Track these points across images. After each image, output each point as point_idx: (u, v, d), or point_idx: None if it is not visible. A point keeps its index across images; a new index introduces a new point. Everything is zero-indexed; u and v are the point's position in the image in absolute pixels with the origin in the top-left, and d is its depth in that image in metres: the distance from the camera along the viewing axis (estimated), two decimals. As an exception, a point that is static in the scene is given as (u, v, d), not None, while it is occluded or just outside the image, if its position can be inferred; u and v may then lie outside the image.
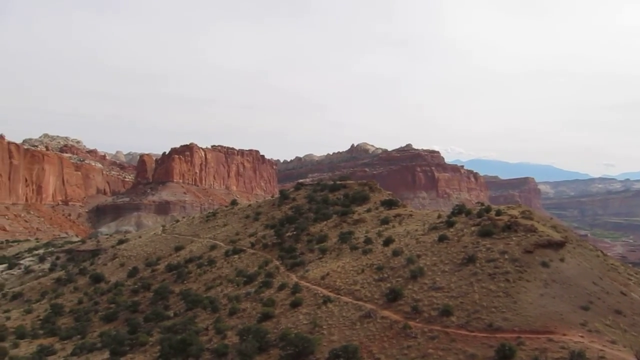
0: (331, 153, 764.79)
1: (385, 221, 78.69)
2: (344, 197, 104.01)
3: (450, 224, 63.27)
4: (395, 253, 57.51)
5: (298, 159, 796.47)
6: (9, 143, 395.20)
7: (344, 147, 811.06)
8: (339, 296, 50.93)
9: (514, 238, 52.15)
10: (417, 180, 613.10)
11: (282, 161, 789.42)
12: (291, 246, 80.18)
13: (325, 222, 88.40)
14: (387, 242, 63.62)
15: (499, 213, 61.24)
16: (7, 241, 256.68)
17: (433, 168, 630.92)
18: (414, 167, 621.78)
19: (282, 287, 59.22)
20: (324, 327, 44.97)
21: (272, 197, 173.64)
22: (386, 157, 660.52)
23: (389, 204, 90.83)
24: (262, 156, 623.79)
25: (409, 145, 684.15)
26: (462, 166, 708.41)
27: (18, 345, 74.65)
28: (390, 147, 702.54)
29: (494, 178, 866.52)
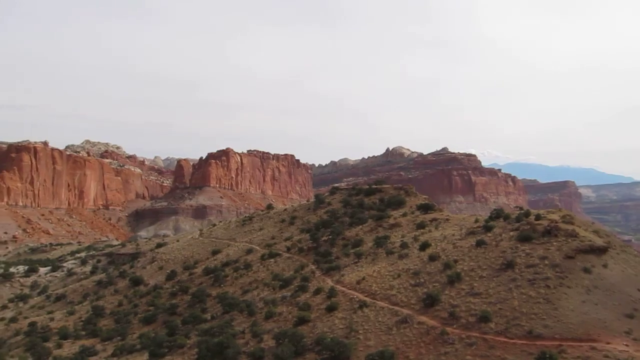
0: (366, 157, 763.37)
1: (421, 225, 77.97)
2: (379, 201, 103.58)
3: (488, 229, 62.29)
4: (432, 258, 56.92)
5: (333, 163, 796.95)
6: (52, 149, 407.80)
7: (379, 151, 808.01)
8: (374, 301, 50.66)
9: (554, 243, 51.02)
10: (454, 184, 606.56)
11: (317, 165, 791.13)
12: (327, 250, 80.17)
13: (360, 227, 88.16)
14: (424, 246, 63.01)
15: (538, 217, 60.04)
16: (51, 244, 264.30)
17: (470, 172, 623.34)
18: (450, 171, 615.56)
19: (317, 292, 59.23)
20: (360, 331, 44.80)
21: (307, 201, 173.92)
22: (422, 161, 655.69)
23: (425, 208, 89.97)
24: (297, 160, 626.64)
25: (444, 149, 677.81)
26: (500, 170, 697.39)
27: (61, 346, 76.70)
28: (426, 151, 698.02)
29: (533, 182, 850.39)
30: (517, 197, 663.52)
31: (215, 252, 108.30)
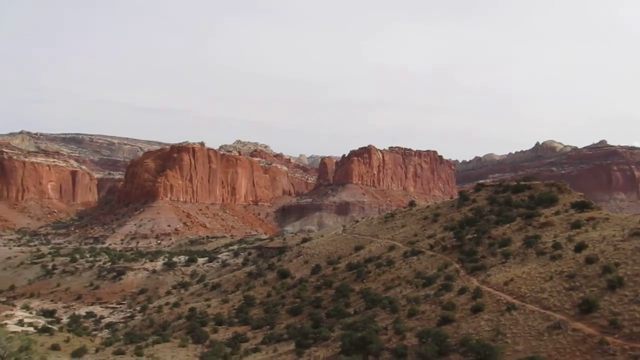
0: (513, 152, 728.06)
1: (576, 225, 72.44)
2: (528, 198, 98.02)
3: (655, 230, 56.24)
4: (589, 260, 52.62)
5: (477, 159, 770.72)
6: (208, 149, 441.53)
7: (528, 145, 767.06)
8: (524, 304, 48.06)
9: None
10: (614, 180, 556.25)
11: (460, 161, 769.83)
12: (471, 249, 77.63)
13: (508, 225, 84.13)
14: (579, 247, 58.50)
15: None
16: (207, 237, 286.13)
17: (633, 166, 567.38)
18: (609, 166, 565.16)
19: (462, 291, 57.61)
20: (508, 335, 42.78)
21: (450, 198, 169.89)
22: (576, 155, 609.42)
23: (581, 206, 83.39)
24: (440, 157, 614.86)
25: (603, 142, 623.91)
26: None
27: (217, 331, 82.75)
28: (580, 144, 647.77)
29: None
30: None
31: (358, 248, 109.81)
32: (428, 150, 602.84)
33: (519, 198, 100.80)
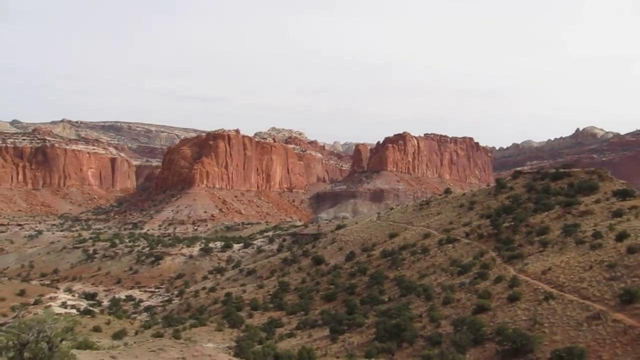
0: (552, 139, 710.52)
1: (618, 214, 70.54)
2: (568, 186, 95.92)
3: (702, 219, 54.36)
4: (631, 250, 51.28)
5: (515, 145, 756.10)
6: (243, 136, 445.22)
7: (568, 131, 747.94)
8: (562, 293, 47.27)
9: None
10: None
11: (497, 148, 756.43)
12: (508, 237, 76.57)
13: (546, 213, 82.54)
14: (621, 237, 57.01)
15: None
16: (243, 223, 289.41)
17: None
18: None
19: (498, 280, 56.97)
20: (545, 325, 42.20)
21: (487, 185, 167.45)
22: (619, 142, 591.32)
23: (623, 194, 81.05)
24: (477, 143, 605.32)
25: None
26: None
27: (252, 316, 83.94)
28: (623, 131, 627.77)
29: None
30: None
31: (392, 236, 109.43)
32: (464, 137, 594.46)
33: (558, 186, 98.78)
